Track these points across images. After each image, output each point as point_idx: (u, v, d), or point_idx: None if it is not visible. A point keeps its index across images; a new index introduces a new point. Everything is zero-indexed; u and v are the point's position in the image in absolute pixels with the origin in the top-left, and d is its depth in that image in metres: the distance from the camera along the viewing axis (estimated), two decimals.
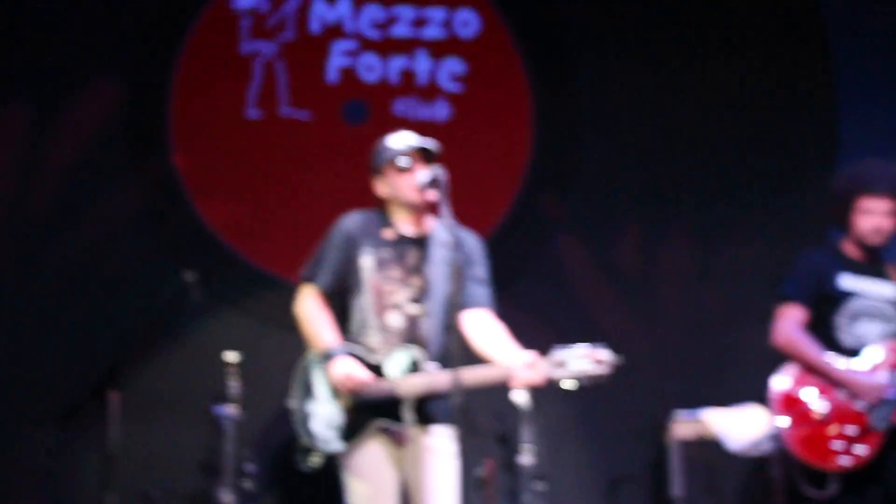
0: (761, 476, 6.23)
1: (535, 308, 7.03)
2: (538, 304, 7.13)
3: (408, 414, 4.46)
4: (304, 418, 4.58)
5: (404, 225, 4.69)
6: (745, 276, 7.28)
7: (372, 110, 7.29)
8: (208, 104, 7.10)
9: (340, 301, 4.76)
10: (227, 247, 7.12)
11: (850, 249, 5.75)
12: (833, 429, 5.54)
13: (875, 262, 5.76)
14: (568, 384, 5.29)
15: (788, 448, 5.54)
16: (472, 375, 4.28)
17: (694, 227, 7.39)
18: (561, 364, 4.28)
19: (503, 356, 4.45)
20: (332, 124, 7.29)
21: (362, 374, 4.47)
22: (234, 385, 6.20)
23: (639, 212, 7.38)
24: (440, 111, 7.34)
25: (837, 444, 5.55)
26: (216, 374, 6.36)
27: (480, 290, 4.62)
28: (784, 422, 5.54)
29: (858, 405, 5.56)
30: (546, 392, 5.68)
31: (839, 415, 5.59)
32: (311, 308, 4.67)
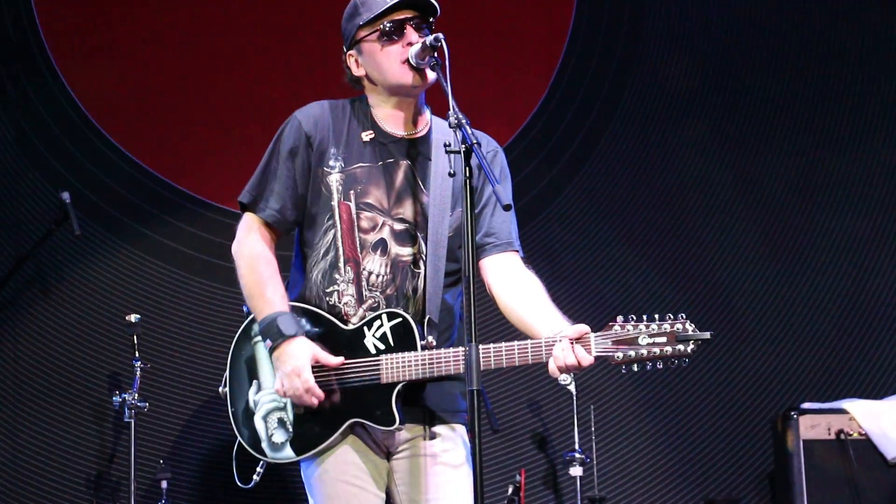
0: None
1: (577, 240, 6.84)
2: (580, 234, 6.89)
3: (397, 407, 4.02)
4: (246, 413, 4.18)
5: (388, 122, 4.22)
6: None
7: None
8: None
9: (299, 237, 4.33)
10: (127, 158, 6.60)
11: None
12: None
13: None
14: (565, 379, 5.49)
15: None
16: (493, 353, 3.94)
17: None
18: (627, 342, 3.90)
19: (541, 324, 4.02)
20: None
21: (329, 361, 4.05)
22: (139, 361, 5.94)
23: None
24: None
25: None
26: (112, 345, 6.27)
27: (506, 223, 4.24)
28: None
29: None
30: (607, 373, 6.15)
31: None
32: (253, 252, 4.21)
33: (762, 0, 7.25)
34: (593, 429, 6.18)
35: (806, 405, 6.09)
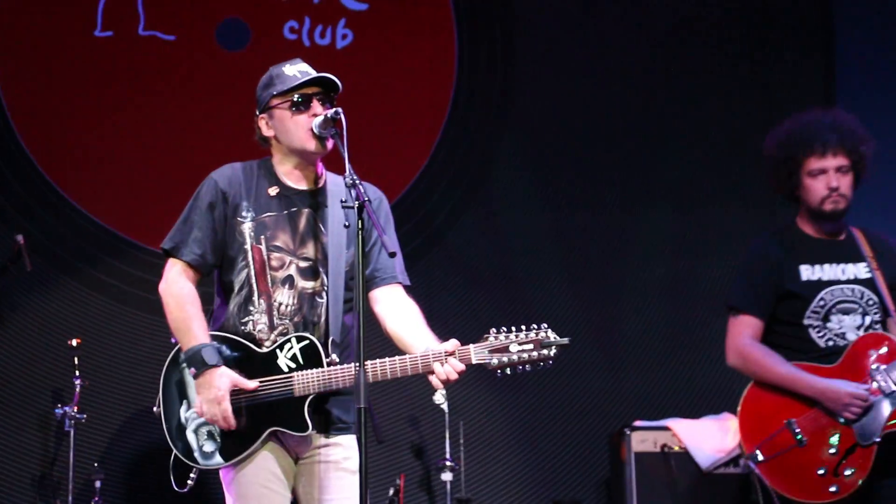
0: (737, 499, 6.07)
1: (450, 291, 6.96)
2: (453, 285, 7.01)
3: (308, 416, 4.08)
4: (179, 429, 4.18)
5: (291, 178, 4.29)
6: (722, 246, 7.09)
7: (253, 32, 6.91)
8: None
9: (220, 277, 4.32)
10: (72, 206, 6.75)
11: (806, 227, 5.17)
12: (814, 452, 4.89)
13: (838, 236, 5.17)
14: (439, 399, 5.66)
15: (766, 482, 4.93)
16: (382, 368, 4.01)
17: (670, 192, 7.25)
18: (500, 350, 3.97)
19: (417, 342, 4.13)
20: (203, 48, 6.90)
21: (246, 385, 4.09)
22: (79, 379, 6.01)
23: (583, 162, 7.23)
24: (340, 36, 7.05)
25: (822, 471, 4.87)
26: (57, 365, 6.36)
27: (390, 259, 4.20)
28: (755, 453, 4.93)
29: (840, 419, 4.90)
30: (475, 394, 6.20)
31: (819, 434, 4.92)
32: (181, 292, 4.21)
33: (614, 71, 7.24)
34: (462, 440, 6.30)
35: (637, 423, 6.22)
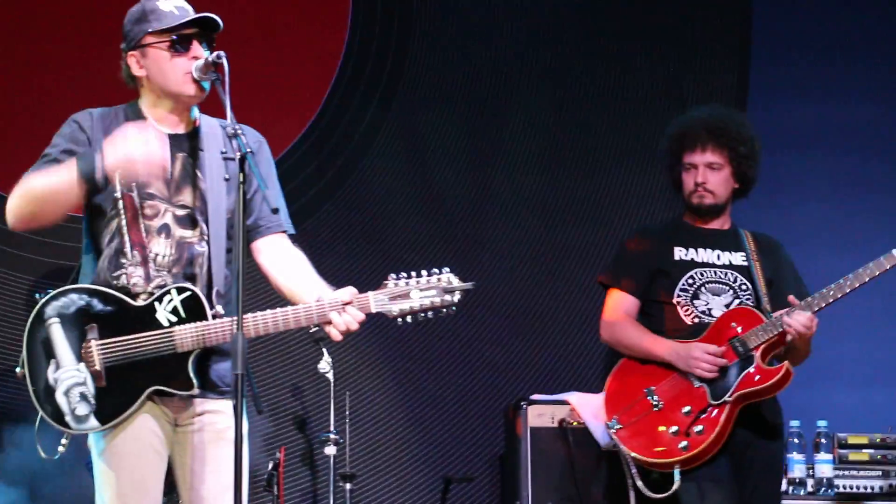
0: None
1: (342, 242, 6.91)
2: (344, 236, 6.95)
3: (191, 375, 4.09)
4: (46, 391, 4.16)
5: (164, 122, 4.27)
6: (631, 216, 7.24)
7: None
8: None
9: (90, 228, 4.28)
10: None
11: (689, 219, 5.52)
12: (669, 414, 5.22)
13: (722, 227, 5.49)
14: (324, 367, 5.75)
15: (625, 450, 5.24)
16: (273, 319, 4.04)
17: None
18: (401, 297, 4.03)
19: (308, 293, 4.17)
20: None
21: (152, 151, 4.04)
22: None
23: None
24: None
25: (674, 429, 5.17)
26: None
27: (275, 211, 4.13)
28: (612, 421, 5.29)
29: (696, 381, 5.20)
30: (363, 362, 6.21)
31: (676, 398, 5.24)
32: (25, 180, 4.17)
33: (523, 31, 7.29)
34: (348, 412, 6.26)
35: (534, 396, 6.22)
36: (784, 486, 5.93)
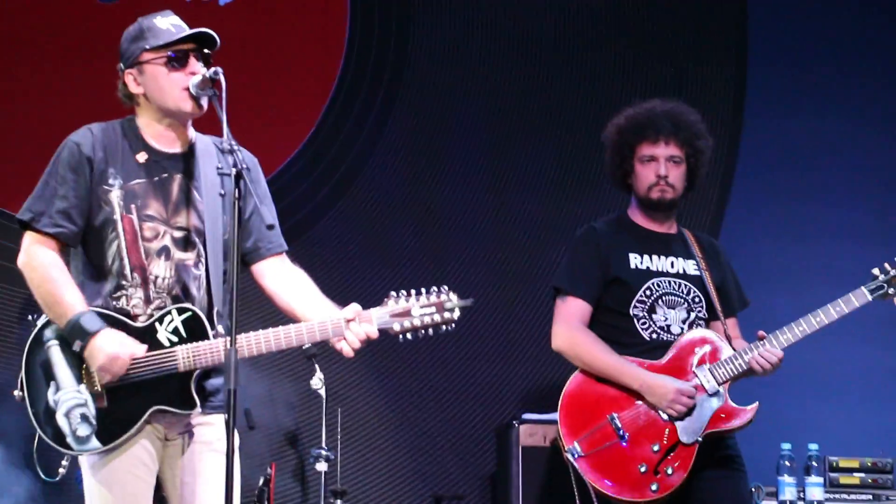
0: None
1: (338, 256, 6.90)
2: (343, 250, 6.95)
3: (193, 395, 4.09)
4: (47, 413, 4.13)
5: (160, 141, 4.25)
6: None
7: None
8: None
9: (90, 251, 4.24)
10: None
11: (637, 217, 5.29)
12: (635, 449, 4.96)
13: (669, 230, 5.29)
14: (317, 383, 5.84)
15: (585, 478, 4.95)
16: (286, 335, 4.07)
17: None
18: (402, 314, 4.05)
19: (313, 311, 4.19)
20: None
21: (136, 349, 4.06)
22: None
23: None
24: None
25: (643, 468, 4.94)
26: None
27: (270, 227, 4.17)
28: (574, 447, 4.99)
29: (664, 415, 4.98)
30: (355, 379, 6.21)
31: (641, 431, 5.00)
32: (44, 262, 4.15)
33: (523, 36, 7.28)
34: (339, 429, 6.28)
35: (526, 416, 6.24)
36: None
